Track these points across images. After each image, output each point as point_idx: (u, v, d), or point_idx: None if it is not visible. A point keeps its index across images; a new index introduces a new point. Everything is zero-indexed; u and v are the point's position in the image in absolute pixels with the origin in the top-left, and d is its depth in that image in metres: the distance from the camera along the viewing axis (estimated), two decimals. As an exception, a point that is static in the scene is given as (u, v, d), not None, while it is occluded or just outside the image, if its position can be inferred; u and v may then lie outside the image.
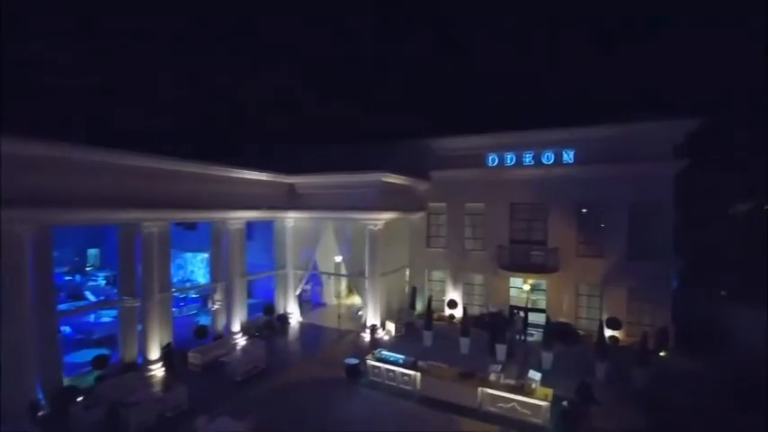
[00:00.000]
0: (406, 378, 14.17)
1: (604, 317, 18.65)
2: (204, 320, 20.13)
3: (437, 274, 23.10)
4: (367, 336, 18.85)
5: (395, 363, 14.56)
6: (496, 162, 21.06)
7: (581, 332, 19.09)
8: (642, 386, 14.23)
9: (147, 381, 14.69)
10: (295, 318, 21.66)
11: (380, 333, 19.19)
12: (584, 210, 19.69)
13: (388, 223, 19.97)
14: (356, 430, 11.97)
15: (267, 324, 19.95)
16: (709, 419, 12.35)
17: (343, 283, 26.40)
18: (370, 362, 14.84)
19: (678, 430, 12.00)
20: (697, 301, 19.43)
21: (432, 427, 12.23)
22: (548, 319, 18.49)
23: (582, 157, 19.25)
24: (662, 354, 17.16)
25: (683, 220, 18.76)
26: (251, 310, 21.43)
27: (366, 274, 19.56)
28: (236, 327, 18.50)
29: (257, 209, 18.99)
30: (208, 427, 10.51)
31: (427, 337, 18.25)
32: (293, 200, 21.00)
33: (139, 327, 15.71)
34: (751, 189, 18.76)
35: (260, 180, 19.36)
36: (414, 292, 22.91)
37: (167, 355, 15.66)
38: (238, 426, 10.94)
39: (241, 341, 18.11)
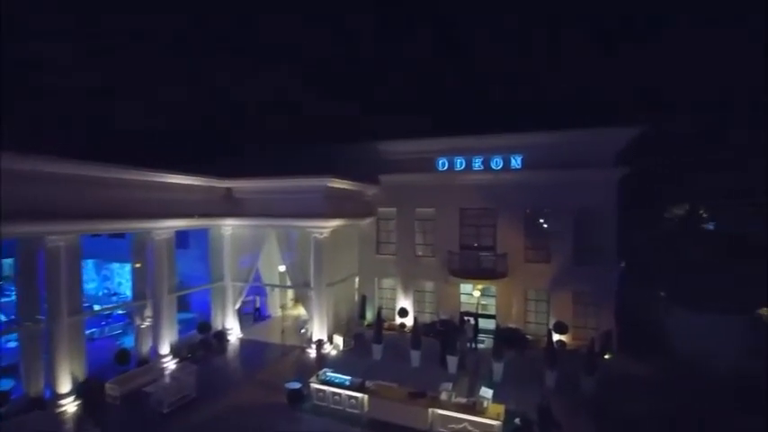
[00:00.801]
0: (353, 401, 13.20)
1: (552, 322, 18.80)
2: (129, 342, 18.03)
3: (387, 282, 22.33)
4: (313, 352, 17.67)
5: (341, 385, 13.54)
6: (446, 166, 20.61)
7: (530, 337, 19.12)
8: (591, 394, 14.25)
9: (57, 419, 12.70)
10: (235, 334, 19.99)
11: (327, 348, 18.09)
12: (529, 212, 19.69)
13: (336, 230, 18.89)
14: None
15: (202, 343, 18.18)
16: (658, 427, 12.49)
17: (290, 294, 24.99)
18: (314, 385, 13.73)
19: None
20: (638, 303, 20.15)
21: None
22: (497, 326, 18.34)
23: (530, 163, 19.24)
24: (607, 357, 17.48)
25: (626, 223, 19.31)
26: (186, 326, 19.59)
27: (311, 285, 18.36)
28: (164, 349, 16.60)
29: (188, 217, 17.16)
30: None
31: (377, 351, 17.40)
32: (230, 206, 19.30)
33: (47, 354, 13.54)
34: (687, 193, 19.68)
35: (190, 185, 17.51)
36: (363, 300, 21.99)
37: (82, 388, 13.63)
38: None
39: (171, 365, 16.28)
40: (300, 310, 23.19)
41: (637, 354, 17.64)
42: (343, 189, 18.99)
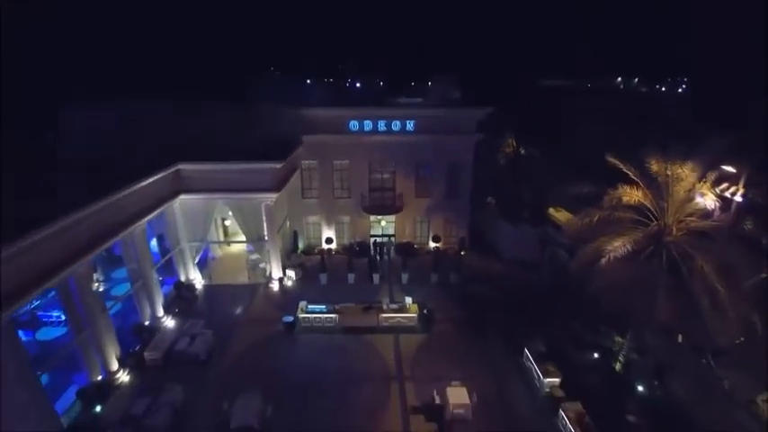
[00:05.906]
0: (329, 320, 20.69)
1: (431, 236, 28.54)
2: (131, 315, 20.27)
3: (312, 219, 28.41)
4: (275, 285, 23.89)
5: (320, 312, 20.74)
6: (357, 128, 25.81)
7: (416, 246, 28.69)
8: (457, 284, 24.71)
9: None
10: (198, 282, 24.19)
11: (285, 281, 24.43)
12: (418, 164, 27.33)
13: (276, 191, 23.51)
14: (305, 357, 18.68)
15: (181, 297, 22.39)
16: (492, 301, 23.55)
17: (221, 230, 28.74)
18: (301, 315, 20.61)
19: (479, 313, 22.66)
20: (480, 217, 31.24)
21: (349, 346, 19.50)
22: (399, 245, 27.30)
23: (419, 128, 25.96)
24: (462, 253, 28.27)
25: (482, 170, 28.88)
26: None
27: (266, 238, 23.42)
28: (159, 311, 20.55)
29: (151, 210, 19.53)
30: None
31: (323, 277, 24.58)
32: (179, 184, 21.45)
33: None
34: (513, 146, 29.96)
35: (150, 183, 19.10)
36: (295, 235, 27.96)
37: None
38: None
39: (168, 322, 20.56)
40: (240, 247, 27.78)
41: (480, 250, 28.95)
42: (284, 166, 23.02)
